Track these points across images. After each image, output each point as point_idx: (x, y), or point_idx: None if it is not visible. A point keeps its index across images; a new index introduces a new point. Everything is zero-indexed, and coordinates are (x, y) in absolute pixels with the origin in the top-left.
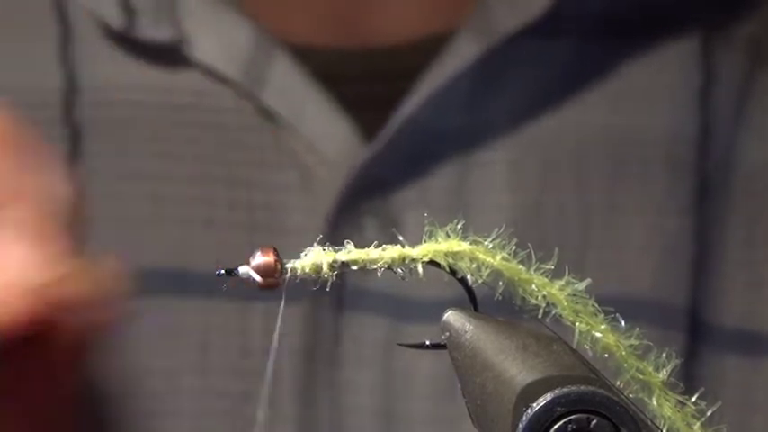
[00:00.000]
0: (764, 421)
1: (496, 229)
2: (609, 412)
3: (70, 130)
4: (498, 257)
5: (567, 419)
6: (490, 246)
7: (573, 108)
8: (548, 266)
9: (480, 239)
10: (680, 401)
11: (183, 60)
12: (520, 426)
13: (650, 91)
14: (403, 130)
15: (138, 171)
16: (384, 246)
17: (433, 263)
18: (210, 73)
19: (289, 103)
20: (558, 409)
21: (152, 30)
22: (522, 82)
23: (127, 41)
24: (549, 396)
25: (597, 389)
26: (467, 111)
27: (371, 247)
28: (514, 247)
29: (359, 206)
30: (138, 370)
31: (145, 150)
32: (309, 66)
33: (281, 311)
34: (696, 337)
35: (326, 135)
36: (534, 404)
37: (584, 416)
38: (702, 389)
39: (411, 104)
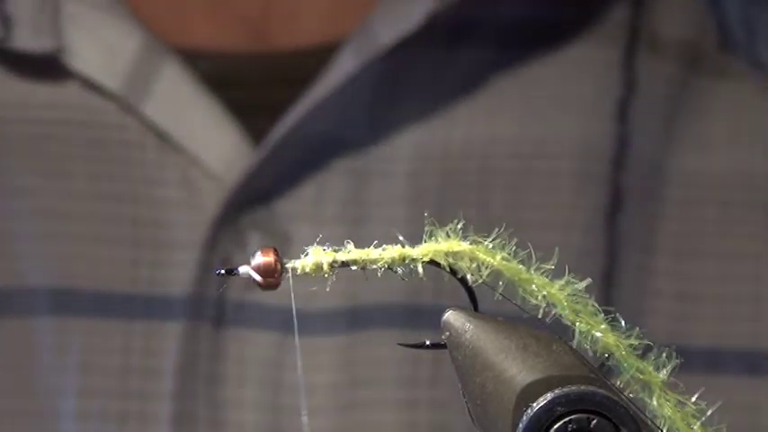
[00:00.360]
0: None
1: (497, 229)
2: (609, 412)
3: None
4: (498, 257)
5: (567, 419)
6: (490, 246)
7: (479, 119)
8: (548, 266)
9: (480, 239)
10: (680, 401)
11: (64, 72)
12: (520, 426)
13: (563, 102)
14: (289, 139)
15: (22, 188)
16: (384, 246)
17: (432, 263)
18: (91, 85)
19: (174, 116)
20: (559, 409)
21: (30, 40)
22: (425, 91)
23: (4, 54)
24: (549, 396)
25: (597, 389)
26: (365, 120)
27: (371, 247)
28: (514, 247)
29: (241, 220)
30: (22, 390)
31: (29, 167)
32: (205, 71)
33: (294, 313)
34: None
35: (214, 147)
36: (534, 404)
37: (584, 416)
38: (703, 389)
39: (296, 114)
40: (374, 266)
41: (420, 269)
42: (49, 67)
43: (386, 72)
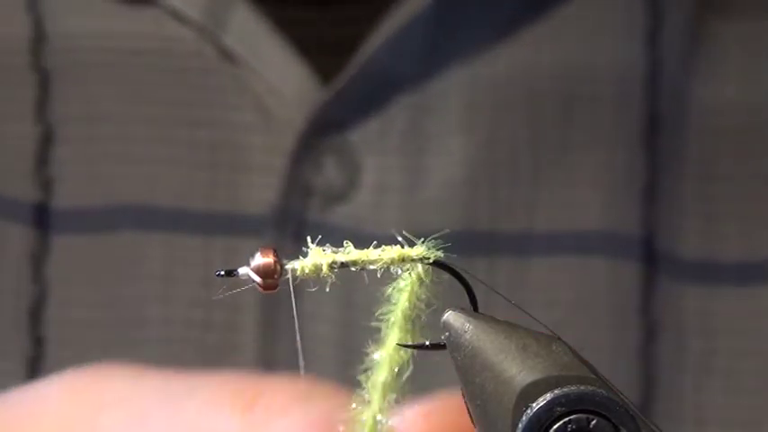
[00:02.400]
0: (726, 346)
1: None
2: (609, 412)
3: (39, 76)
4: None
5: (566, 419)
6: None
7: (524, 47)
8: None
9: None
10: None
11: (147, 2)
12: (520, 426)
13: (598, 30)
14: (361, 72)
15: (105, 113)
16: (383, 246)
17: (436, 263)
18: (172, 13)
19: (249, 46)
20: (558, 409)
21: None
22: (474, 24)
23: None
24: (548, 396)
25: (597, 389)
26: (421, 55)
27: (371, 248)
28: None
29: (319, 145)
30: (107, 300)
31: (111, 94)
32: (266, 9)
33: (294, 307)
34: (653, 266)
35: (285, 77)
36: (534, 404)
37: (583, 416)
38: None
39: (369, 48)
40: (373, 267)
41: (420, 269)
42: None
43: (439, 9)
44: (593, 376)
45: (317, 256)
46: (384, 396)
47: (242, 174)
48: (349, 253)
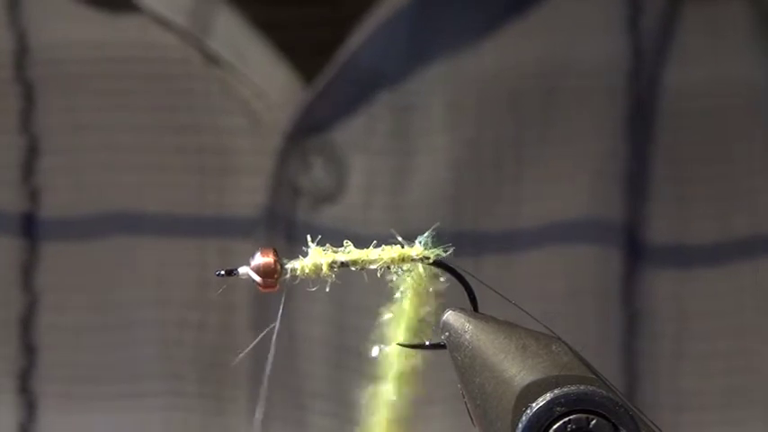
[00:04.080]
0: (699, 330)
1: None
2: (608, 412)
3: (23, 87)
4: None
5: (566, 419)
6: None
7: (507, 43)
8: None
9: None
10: None
11: (131, 8)
12: (519, 426)
13: (581, 23)
14: (344, 72)
15: (90, 123)
16: (383, 246)
17: (436, 263)
18: (157, 19)
19: (233, 49)
20: (558, 409)
21: None
22: (456, 21)
23: None
24: (548, 396)
25: (597, 389)
26: (404, 53)
27: (371, 248)
28: None
29: (305, 145)
30: (99, 305)
31: (96, 103)
32: (250, 12)
33: (281, 309)
34: (635, 253)
35: (270, 79)
36: (534, 404)
37: (583, 416)
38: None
39: (351, 46)
40: (373, 267)
41: (420, 269)
42: (116, 5)
43: (421, 7)
44: (593, 376)
45: (317, 256)
46: (401, 391)
47: (231, 177)
48: (349, 252)
